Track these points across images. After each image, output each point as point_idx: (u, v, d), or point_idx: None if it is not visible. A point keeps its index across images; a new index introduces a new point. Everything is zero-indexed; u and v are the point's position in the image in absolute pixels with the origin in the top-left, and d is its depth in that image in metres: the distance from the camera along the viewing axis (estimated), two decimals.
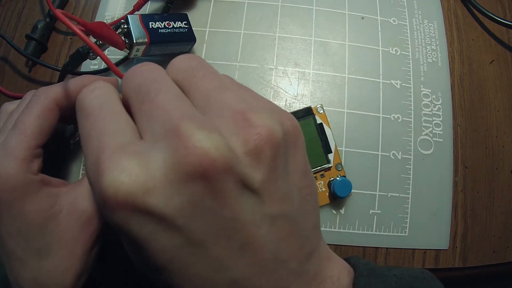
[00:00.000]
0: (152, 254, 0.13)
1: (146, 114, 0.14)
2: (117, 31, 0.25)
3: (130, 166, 0.12)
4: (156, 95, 0.14)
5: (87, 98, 0.15)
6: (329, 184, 0.27)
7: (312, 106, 0.28)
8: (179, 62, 0.16)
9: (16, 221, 0.19)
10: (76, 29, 0.17)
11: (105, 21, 0.31)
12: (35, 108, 0.20)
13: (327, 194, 0.27)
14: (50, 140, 0.22)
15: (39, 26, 0.31)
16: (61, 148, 0.26)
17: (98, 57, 0.29)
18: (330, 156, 0.27)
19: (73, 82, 0.22)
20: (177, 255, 0.13)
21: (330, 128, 0.28)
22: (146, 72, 0.15)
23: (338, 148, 0.28)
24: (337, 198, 0.27)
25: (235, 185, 0.13)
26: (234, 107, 0.14)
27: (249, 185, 0.13)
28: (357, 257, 0.18)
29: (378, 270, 0.17)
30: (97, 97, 0.15)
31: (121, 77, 0.16)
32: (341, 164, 0.27)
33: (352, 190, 0.27)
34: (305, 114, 0.27)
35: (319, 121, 0.27)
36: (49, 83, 0.30)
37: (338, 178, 0.26)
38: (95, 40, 0.24)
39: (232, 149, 0.13)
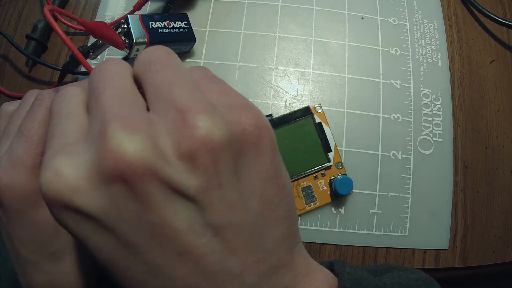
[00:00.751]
0: (91, 252, 0.13)
1: (92, 113, 0.14)
2: (117, 31, 0.25)
3: (61, 166, 0.13)
4: (100, 94, 0.14)
5: (53, 103, 0.16)
6: (330, 183, 0.27)
7: (310, 106, 0.28)
8: (142, 54, 0.15)
9: (29, 229, 0.19)
10: (58, 29, 0.17)
11: (105, 21, 0.31)
12: (39, 114, 0.20)
13: (329, 192, 0.27)
14: None
15: (39, 26, 0.31)
16: None
17: (99, 57, 0.29)
18: (330, 155, 0.27)
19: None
20: (113, 257, 0.13)
21: (329, 127, 0.28)
22: (102, 70, 0.15)
23: (338, 148, 0.28)
24: (338, 197, 0.27)
25: (161, 191, 0.12)
26: (178, 105, 0.13)
27: (182, 191, 0.12)
28: (343, 262, 0.17)
29: (365, 281, 0.15)
30: (60, 101, 0.16)
31: (89, 70, 0.16)
32: (341, 163, 0.27)
33: (353, 190, 0.27)
34: (304, 113, 0.27)
35: (317, 120, 0.28)
36: (49, 83, 0.30)
37: (339, 176, 0.26)
38: (95, 40, 0.24)
39: (160, 151, 0.12)
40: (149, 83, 0.14)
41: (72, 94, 0.16)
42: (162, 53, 0.15)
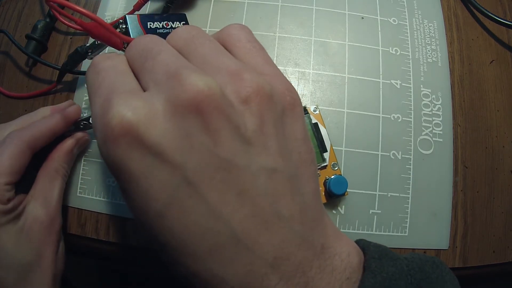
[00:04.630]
0: (150, 194, 0.14)
1: (149, 69, 0.15)
2: None
3: (135, 103, 0.14)
4: (157, 54, 0.15)
5: (101, 61, 0.17)
6: (325, 183, 0.26)
7: (306, 106, 0.28)
8: (179, 31, 0.17)
9: None
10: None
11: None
12: (8, 150, 0.22)
13: (323, 193, 0.27)
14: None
15: (39, 26, 0.31)
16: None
17: None
18: (326, 155, 0.27)
19: (45, 126, 0.24)
20: (175, 197, 0.13)
21: (325, 128, 0.28)
22: (148, 39, 0.17)
23: (338, 148, 0.28)
24: (333, 197, 0.26)
25: (228, 126, 0.14)
26: (228, 67, 0.15)
27: (241, 131, 0.14)
28: (366, 240, 0.18)
29: (389, 253, 0.16)
30: (110, 61, 0.17)
31: (128, 41, 0.18)
32: (337, 164, 0.27)
33: (352, 190, 0.27)
34: None
35: (314, 120, 0.28)
36: (50, 82, 0.30)
37: (333, 177, 0.26)
38: (93, 40, 0.24)
39: (226, 94, 0.14)
40: (194, 53, 0.16)
41: (120, 57, 0.17)
42: (200, 30, 0.18)
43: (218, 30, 0.18)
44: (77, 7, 0.18)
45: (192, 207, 0.13)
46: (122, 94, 0.14)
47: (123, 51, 0.26)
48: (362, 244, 0.17)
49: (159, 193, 0.13)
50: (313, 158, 0.17)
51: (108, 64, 0.16)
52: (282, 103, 0.16)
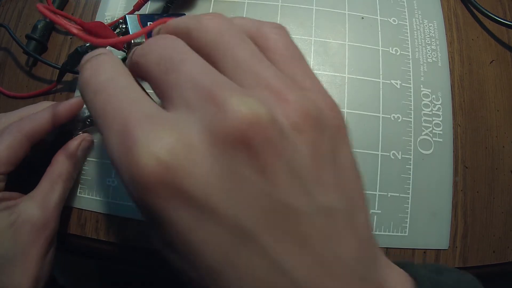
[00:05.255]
0: (200, 251, 0.11)
1: (172, 84, 0.13)
2: (115, 31, 0.25)
3: (167, 137, 0.11)
4: (181, 64, 0.13)
5: (93, 75, 0.14)
6: None
7: None
8: (206, 22, 0.14)
9: None
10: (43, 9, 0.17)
11: (105, 21, 0.31)
12: (6, 140, 0.22)
13: None
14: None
15: (39, 26, 0.31)
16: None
17: None
18: None
19: (45, 118, 0.24)
20: (231, 253, 0.11)
21: None
22: (166, 43, 0.14)
23: None
24: None
25: (284, 162, 0.11)
26: (268, 81, 0.13)
27: (297, 167, 0.12)
28: (411, 263, 0.16)
29: (440, 280, 0.15)
30: (104, 72, 0.14)
31: (127, 41, 0.16)
32: None
33: None
34: None
35: None
36: (50, 81, 0.30)
37: None
38: None
39: (275, 117, 0.12)
40: (225, 57, 0.14)
41: (115, 63, 0.14)
42: (231, 25, 0.15)
43: None
44: (68, 25, 0.17)
45: (252, 262, 0.11)
46: (143, 122, 0.11)
47: (124, 51, 0.26)
48: (411, 271, 0.16)
49: (211, 250, 0.11)
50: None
51: (103, 78, 0.14)
52: (330, 127, 0.13)
